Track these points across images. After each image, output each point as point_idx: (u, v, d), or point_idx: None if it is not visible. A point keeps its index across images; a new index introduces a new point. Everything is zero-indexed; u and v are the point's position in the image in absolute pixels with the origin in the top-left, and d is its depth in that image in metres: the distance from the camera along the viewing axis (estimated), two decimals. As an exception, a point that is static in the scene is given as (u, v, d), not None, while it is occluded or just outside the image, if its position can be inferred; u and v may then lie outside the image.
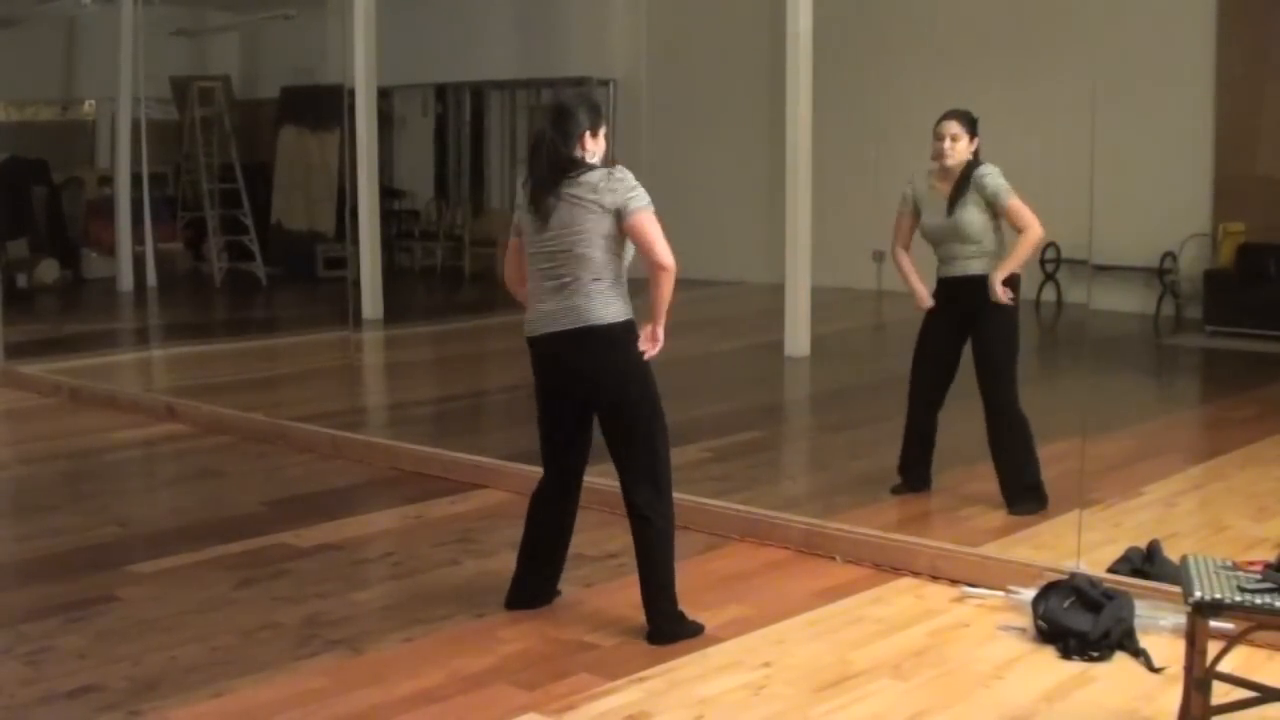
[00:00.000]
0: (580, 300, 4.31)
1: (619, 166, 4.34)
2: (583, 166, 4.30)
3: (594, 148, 4.37)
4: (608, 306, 4.31)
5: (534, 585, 4.68)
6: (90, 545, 5.55)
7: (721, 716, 3.84)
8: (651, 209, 4.28)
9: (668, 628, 4.39)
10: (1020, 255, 5.65)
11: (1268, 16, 11.39)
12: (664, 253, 4.27)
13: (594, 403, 4.41)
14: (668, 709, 3.87)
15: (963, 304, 5.73)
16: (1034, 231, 5.60)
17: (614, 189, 4.25)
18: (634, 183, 4.29)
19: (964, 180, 5.65)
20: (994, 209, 5.63)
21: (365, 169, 12.16)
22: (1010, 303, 5.65)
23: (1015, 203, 5.61)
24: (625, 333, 4.35)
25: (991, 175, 5.63)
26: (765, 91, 12.94)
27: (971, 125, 5.69)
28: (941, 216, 5.69)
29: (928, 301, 5.86)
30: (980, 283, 5.65)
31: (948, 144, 5.66)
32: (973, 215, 5.63)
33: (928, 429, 5.96)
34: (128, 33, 14.54)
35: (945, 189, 5.72)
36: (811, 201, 9.91)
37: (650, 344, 4.37)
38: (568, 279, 4.31)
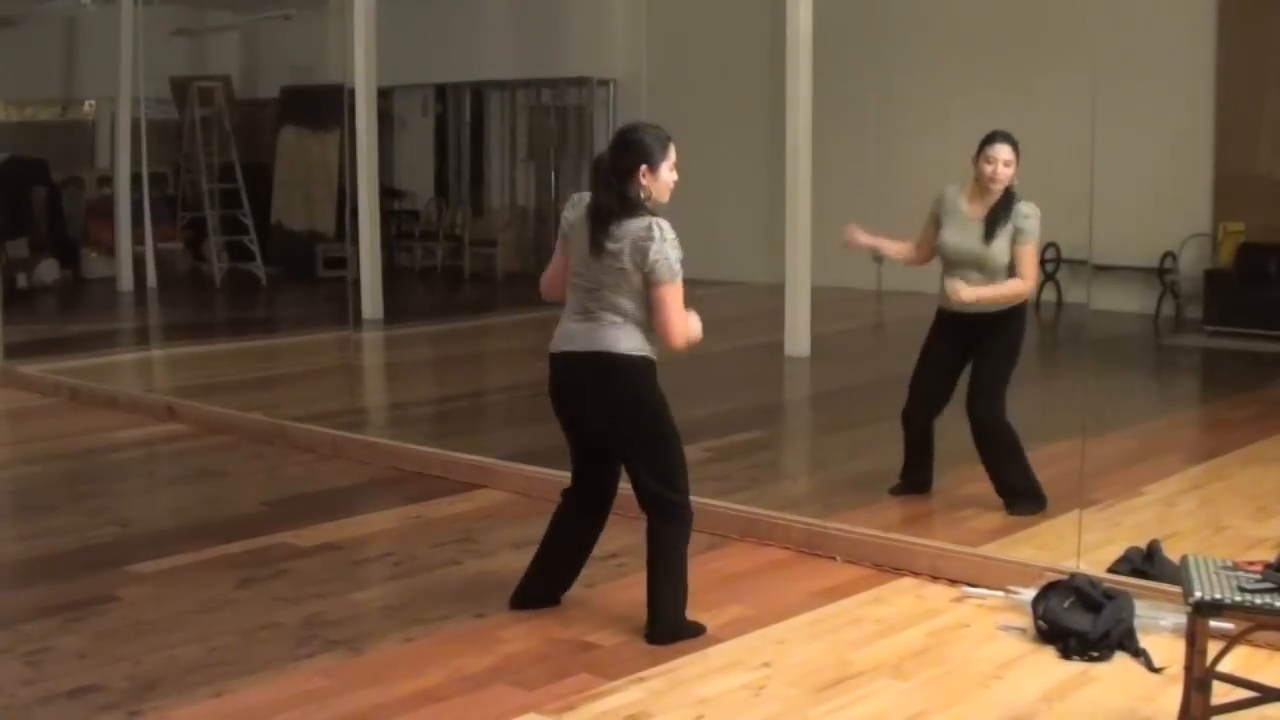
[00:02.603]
0: (599, 330, 4.30)
1: (656, 223, 4.21)
2: (628, 211, 4.22)
3: (650, 182, 4.26)
4: (627, 340, 4.28)
5: (542, 588, 4.68)
6: (90, 545, 5.55)
7: (721, 716, 3.84)
8: (675, 280, 4.21)
9: (668, 631, 4.38)
10: (1001, 294, 5.55)
11: (1268, 16, 11.39)
12: (675, 332, 4.25)
13: (600, 425, 4.38)
14: (668, 709, 3.87)
15: (970, 335, 5.68)
16: (1026, 286, 5.55)
17: (645, 250, 4.18)
18: (667, 249, 4.19)
19: (1004, 210, 5.54)
20: (1013, 242, 5.55)
21: (365, 169, 12.16)
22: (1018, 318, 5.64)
23: (1032, 250, 5.55)
24: (640, 366, 4.31)
25: (1034, 218, 5.53)
26: (765, 91, 12.93)
27: (1018, 149, 5.56)
28: (975, 241, 5.56)
29: (858, 236, 5.77)
30: (992, 318, 5.60)
31: (1001, 169, 5.52)
32: (1004, 247, 5.54)
33: (926, 436, 5.94)
34: (128, 33, 14.54)
35: (978, 211, 5.60)
36: (811, 201, 9.91)
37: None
38: (593, 312, 4.31)
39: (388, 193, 15.56)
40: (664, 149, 4.30)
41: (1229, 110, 11.57)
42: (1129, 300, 11.89)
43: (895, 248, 5.92)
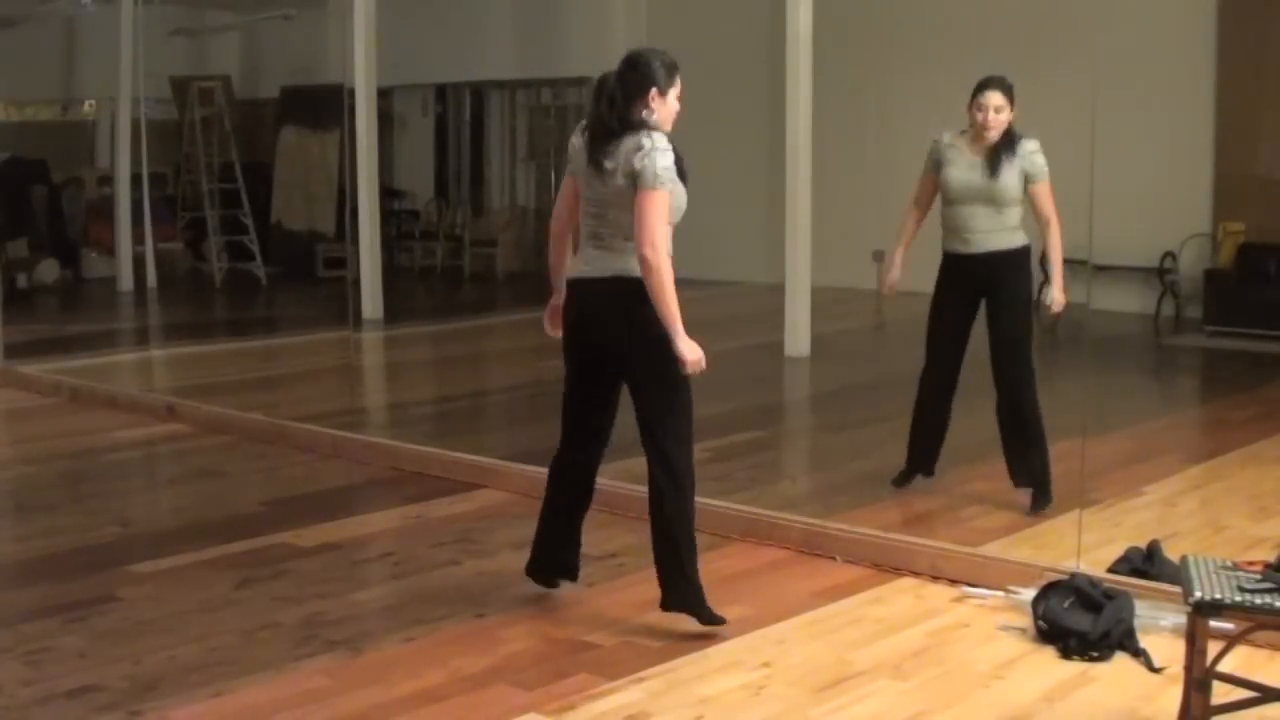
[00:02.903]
0: (612, 256, 4.32)
1: (651, 134, 4.23)
2: (628, 130, 4.24)
3: (658, 107, 4.28)
4: (638, 265, 4.27)
5: (555, 553, 4.69)
6: (90, 545, 5.55)
7: (721, 716, 3.84)
8: (657, 188, 4.18)
9: (680, 597, 4.38)
10: (1060, 252, 5.66)
11: (1268, 16, 11.38)
12: (646, 240, 4.17)
13: (615, 353, 4.37)
14: (668, 709, 3.87)
15: (977, 279, 5.66)
16: (1056, 221, 5.64)
17: (634, 159, 4.20)
18: (656, 155, 4.18)
19: (1008, 146, 5.57)
20: (1025, 182, 5.59)
21: (365, 169, 12.15)
22: (1027, 284, 5.69)
23: (1048, 186, 5.60)
24: None
25: (1040, 153, 5.60)
26: (765, 91, 12.93)
27: (1012, 94, 5.58)
28: (981, 176, 5.57)
29: (891, 279, 5.86)
30: (1000, 258, 5.61)
31: (992, 115, 5.54)
32: (1012, 182, 5.56)
33: (942, 415, 5.91)
34: (128, 33, 14.53)
35: (979, 151, 5.61)
36: (811, 201, 9.91)
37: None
38: (604, 237, 4.34)
39: (388, 193, 15.55)
40: (671, 76, 4.33)
41: (1229, 110, 11.56)
42: (1129, 300, 11.88)
43: (905, 239, 5.91)
